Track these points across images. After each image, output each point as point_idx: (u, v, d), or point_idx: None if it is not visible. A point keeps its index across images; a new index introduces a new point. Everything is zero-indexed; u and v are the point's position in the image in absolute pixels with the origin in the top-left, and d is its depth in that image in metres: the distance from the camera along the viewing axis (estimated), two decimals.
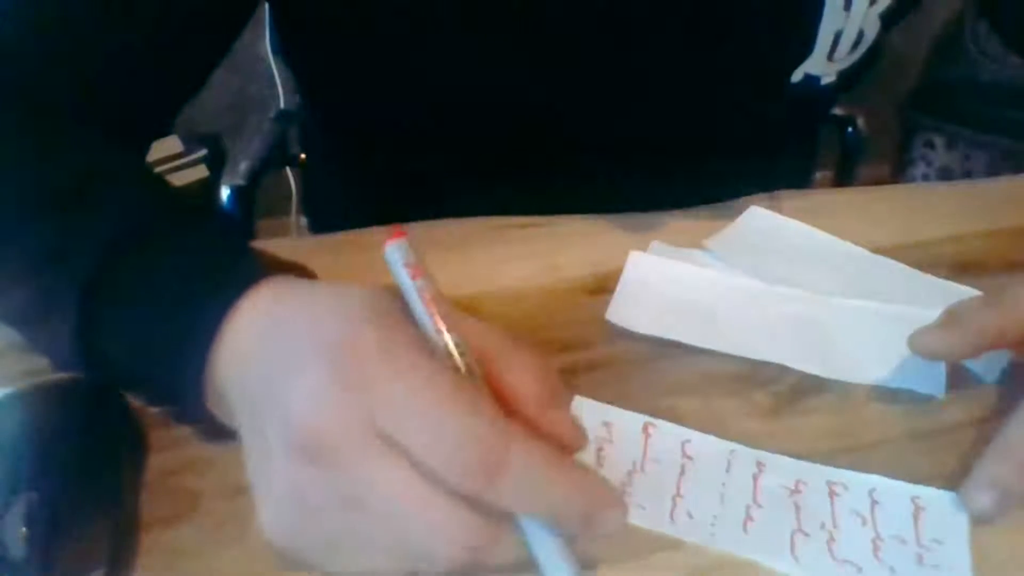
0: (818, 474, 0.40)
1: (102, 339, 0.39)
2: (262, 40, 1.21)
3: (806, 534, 0.37)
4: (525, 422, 0.32)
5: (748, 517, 0.38)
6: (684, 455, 0.41)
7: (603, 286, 0.51)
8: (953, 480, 0.40)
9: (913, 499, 0.39)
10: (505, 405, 0.32)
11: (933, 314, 0.48)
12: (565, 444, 0.33)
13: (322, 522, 0.31)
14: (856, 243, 0.54)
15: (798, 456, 0.41)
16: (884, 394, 0.45)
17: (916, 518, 0.38)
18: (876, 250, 0.54)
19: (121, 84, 0.50)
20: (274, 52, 1.25)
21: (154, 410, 0.42)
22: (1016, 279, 0.44)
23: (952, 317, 0.43)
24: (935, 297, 0.50)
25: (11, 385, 0.41)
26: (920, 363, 0.45)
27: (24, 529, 0.34)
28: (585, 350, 0.47)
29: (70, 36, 0.49)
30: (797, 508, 0.38)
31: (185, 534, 0.38)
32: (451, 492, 0.30)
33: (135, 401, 0.42)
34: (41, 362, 0.45)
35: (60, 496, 0.35)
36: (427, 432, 0.30)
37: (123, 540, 0.36)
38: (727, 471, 0.40)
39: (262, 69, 1.36)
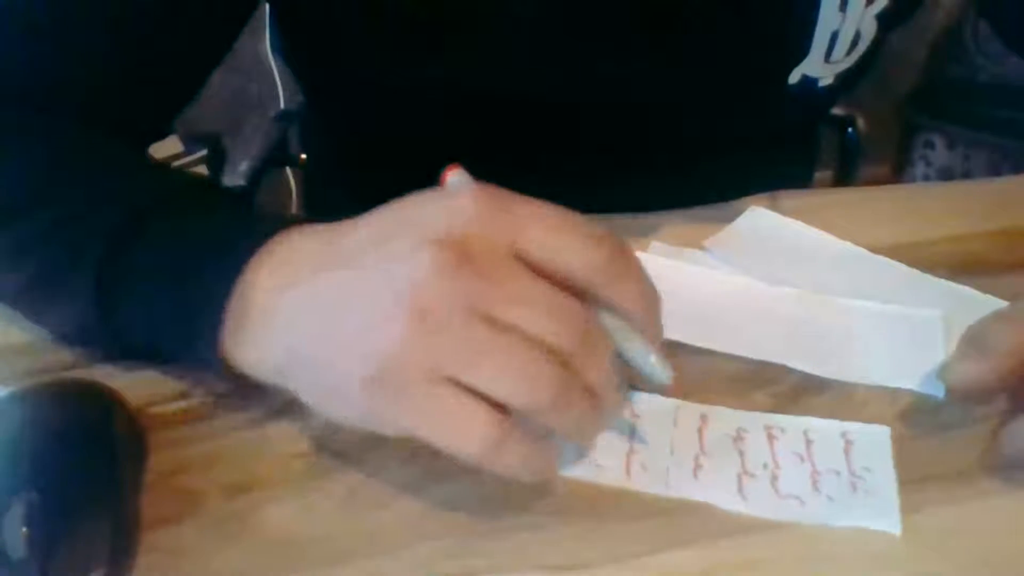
0: (757, 421, 0.43)
1: (122, 296, 0.40)
2: (262, 40, 1.20)
3: (751, 475, 0.40)
4: None
5: (697, 465, 0.41)
6: (633, 414, 0.43)
7: None
8: (953, 480, 0.40)
9: (843, 434, 0.42)
10: None
11: (933, 314, 0.48)
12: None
13: (443, 333, 0.33)
14: (856, 243, 0.54)
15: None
16: (884, 394, 0.44)
17: (847, 452, 0.41)
18: (876, 250, 0.54)
19: (120, 85, 0.50)
20: (274, 52, 1.25)
21: (153, 409, 0.42)
22: None
23: (979, 344, 0.42)
24: (935, 297, 0.50)
25: (11, 385, 0.41)
26: (920, 363, 0.45)
27: (24, 529, 0.34)
28: None
29: (68, 36, 0.49)
30: (741, 453, 0.41)
31: (185, 534, 0.38)
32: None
33: (134, 400, 0.42)
34: (41, 362, 0.45)
35: (60, 496, 0.35)
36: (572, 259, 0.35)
37: (123, 540, 0.36)
38: (674, 425, 0.43)
39: (262, 69, 1.36)
